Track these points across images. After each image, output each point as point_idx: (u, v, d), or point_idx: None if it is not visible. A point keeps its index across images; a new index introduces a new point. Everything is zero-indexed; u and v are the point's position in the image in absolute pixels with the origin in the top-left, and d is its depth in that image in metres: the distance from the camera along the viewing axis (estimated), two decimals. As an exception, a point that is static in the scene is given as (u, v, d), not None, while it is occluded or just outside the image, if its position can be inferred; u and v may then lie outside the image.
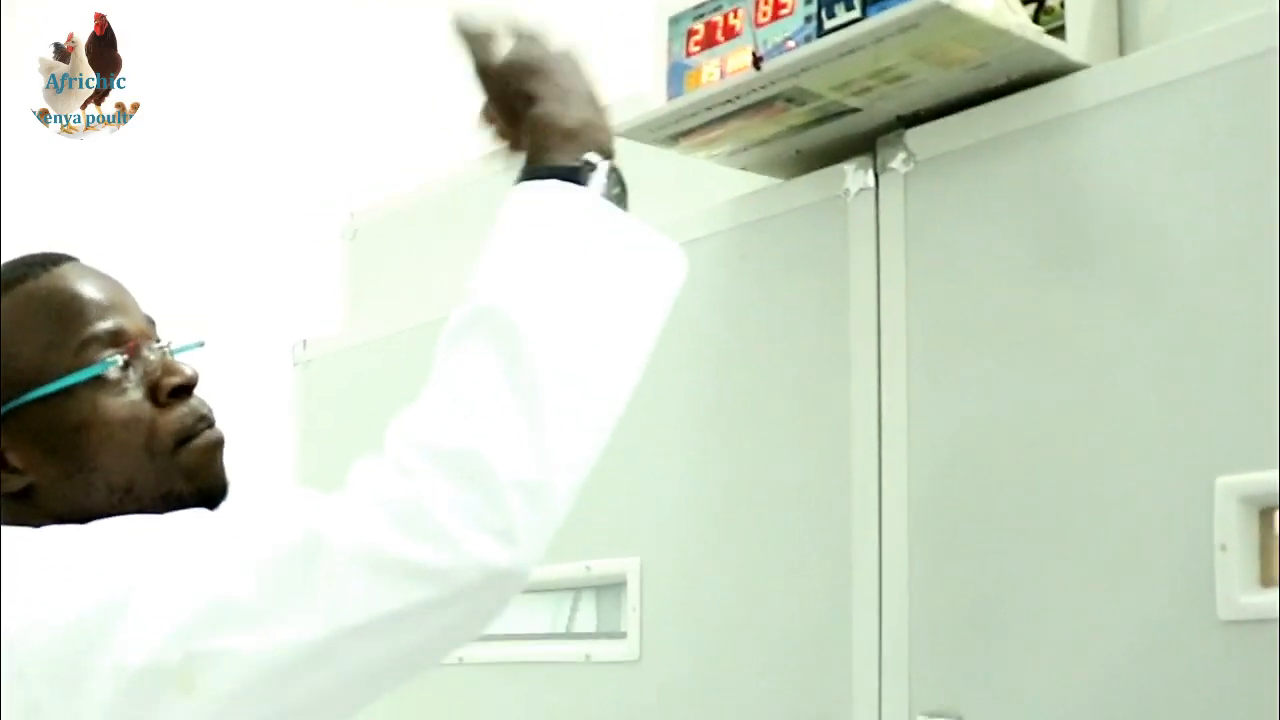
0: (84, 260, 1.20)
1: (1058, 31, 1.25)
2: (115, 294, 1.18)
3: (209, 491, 1.16)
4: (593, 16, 3.10)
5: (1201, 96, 1.14)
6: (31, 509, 1.11)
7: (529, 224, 1.02)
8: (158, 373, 1.16)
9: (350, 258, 2.13)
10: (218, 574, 0.93)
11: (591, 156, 1.05)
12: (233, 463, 1.18)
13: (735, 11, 1.37)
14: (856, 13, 1.24)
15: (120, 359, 1.14)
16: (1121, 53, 1.26)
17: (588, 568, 1.60)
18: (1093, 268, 1.20)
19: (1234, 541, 1.08)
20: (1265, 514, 1.08)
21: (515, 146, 1.10)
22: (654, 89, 1.43)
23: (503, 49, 1.09)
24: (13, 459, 1.12)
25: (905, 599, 1.29)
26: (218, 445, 1.17)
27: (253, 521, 0.96)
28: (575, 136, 1.06)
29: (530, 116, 1.07)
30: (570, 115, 1.07)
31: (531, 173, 1.05)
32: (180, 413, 1.16)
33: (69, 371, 1.13)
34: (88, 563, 0.98)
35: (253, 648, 0.90)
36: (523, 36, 1.10)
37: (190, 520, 1.01)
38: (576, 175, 1.04)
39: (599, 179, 1.04)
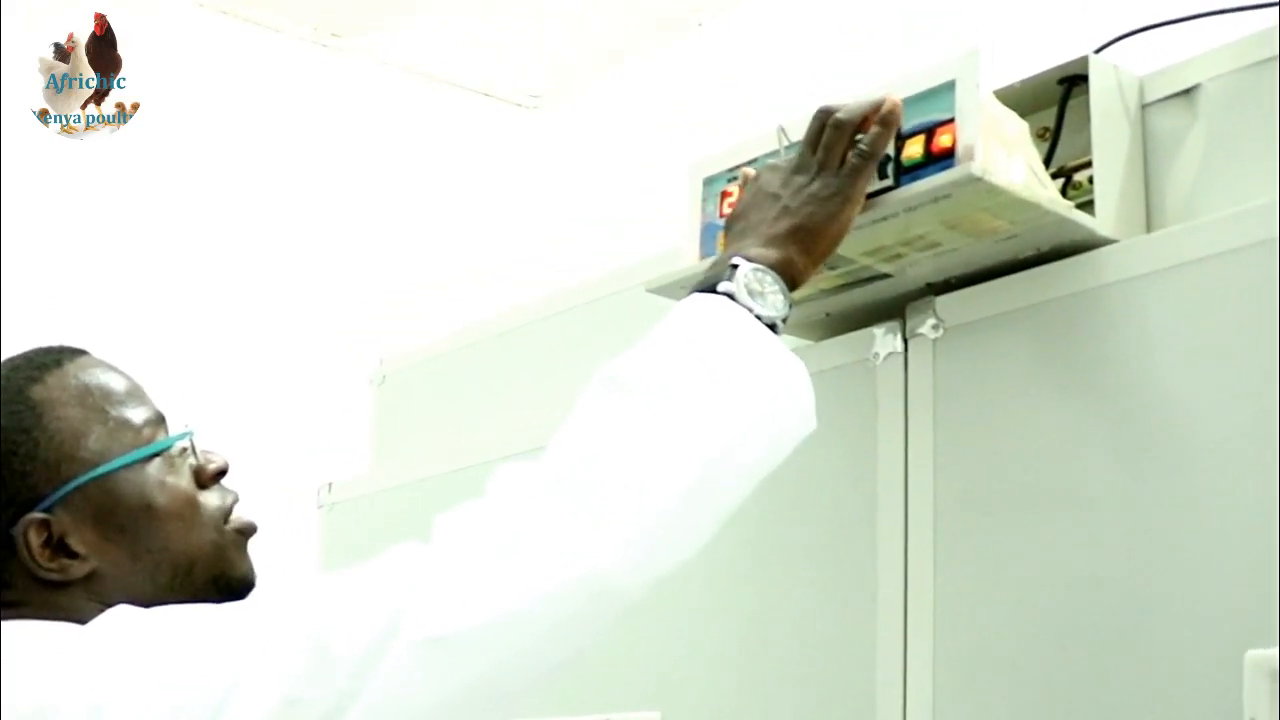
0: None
1: (1086, 206, 1.27)
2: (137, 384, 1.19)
3: (248, 577, 1.17)
4: (628, 174, 3.18)
5: (1230, 274, 1.16)
6: (89, 596, 1.09)
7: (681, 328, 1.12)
8: (197, 458, 1.17)
9: (378, 403, 2.15)
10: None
11: (735, 259, 1.13)
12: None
13: (769, 176, 1.39)
14: (890, 181, 1.26)
15: (185, 438, 1.16)
16: (1149, 229, 1.29)
17: (608, 721, 1.59)
18: (1120, 439, 1.21)
19: (1264, 715, 1.07)
20: (1294, 688, 1.07)
21: None
22: (687, 247, 1.45)
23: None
24: (74, 543, 1.09)
25: (930, 764, 1.28)
26: (254, 528, 1.19)
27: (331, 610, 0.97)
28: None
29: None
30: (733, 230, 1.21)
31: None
32: (224, 494, 1.18)
33: (133, 448, 1.12)
34: (195, 651, 0.96)
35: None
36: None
37: (278, 610, 1.00)
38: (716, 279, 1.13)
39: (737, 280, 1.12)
